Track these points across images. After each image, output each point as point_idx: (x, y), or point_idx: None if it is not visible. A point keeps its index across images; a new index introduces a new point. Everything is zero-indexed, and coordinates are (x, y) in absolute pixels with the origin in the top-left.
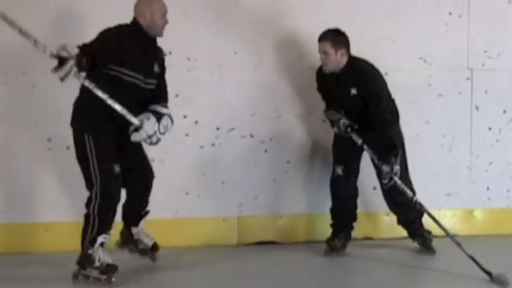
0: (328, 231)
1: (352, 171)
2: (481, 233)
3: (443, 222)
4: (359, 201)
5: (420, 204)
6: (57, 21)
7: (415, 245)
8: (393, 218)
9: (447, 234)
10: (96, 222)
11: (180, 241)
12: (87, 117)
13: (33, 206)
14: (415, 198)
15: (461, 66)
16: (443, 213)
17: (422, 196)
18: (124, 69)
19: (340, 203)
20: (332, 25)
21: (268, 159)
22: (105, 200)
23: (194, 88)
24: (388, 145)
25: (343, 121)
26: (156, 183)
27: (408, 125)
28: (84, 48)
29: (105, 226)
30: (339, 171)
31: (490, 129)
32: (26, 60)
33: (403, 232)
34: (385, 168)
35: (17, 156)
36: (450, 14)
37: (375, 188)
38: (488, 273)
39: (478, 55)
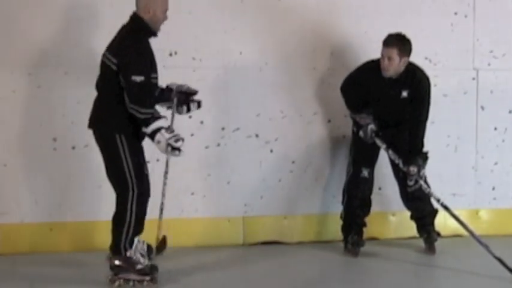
0: (333, 231)
1: (373, 172)
2: (487, 233)
3: (448, 222)
4: None
5: (446, 207)
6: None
7: (421, 244)
8: (399, 218)
9: (473, 236)
10: (132, 222)
11: (185, 241)
12: (120, 118)
13: (38, 206)
14: (441, 201)
15: (467, 66)
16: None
17: None
18: (153, 74)
19: (359, 203)
20: (335, 25)
21: (273, 160)
22: (141, 199)
23: (199, 88)
24: (418, 147)
25: (372, 127)
26: (161, 183)
27: None
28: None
29: (141, 226)
30: (366, 173)
31: (495, 129)
32: (31, 61)
33: (408, 232)
34: (413, 169)
35: (22, 156)
36: (456, 14)
37: (380, 189)
38: None
39: (484, 55)
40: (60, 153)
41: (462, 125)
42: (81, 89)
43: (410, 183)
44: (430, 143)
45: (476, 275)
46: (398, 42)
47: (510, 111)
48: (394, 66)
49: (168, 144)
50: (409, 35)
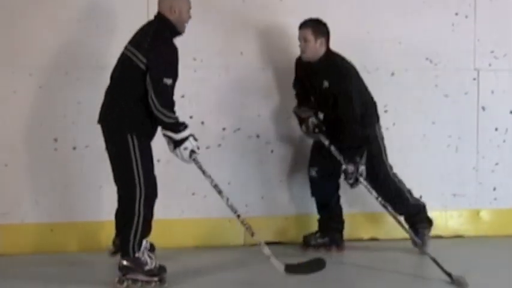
0: None
1: (328, 173)
2: (488, 233)
3: (449, 223)
4: (364, 201)
5: (384, 206)
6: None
7: None
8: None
9: (410, 234)
10: (140, 223)
11: (186, 241)
12: (135, 117)
13: (39, 206)
14: (379, 199)
15: (468, 67)
16: (450, 214)
17: (428, 197)
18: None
19: (317, 205)
20: (338, 25)
21: (274, 160)
22: (149, 201)
23: (200, 89)
24: (354, 144)
25: (312, 120)
26: (162, 184)
27: (414, 126)
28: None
29: (149, 227)
30: (313, 173)
31: (496, 129)
32: (32, 61)
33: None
34: (350, 168)
35: (23, 157)
36: (457, 14)
37: None
38: (449, 275)
39: (485, 55)
40: (61, 154)
41: (463, 126)
42: (82, 89)
43: (350, 181)
44: (431, 143)
45: (476, 276)
46: (312, 23)
47: (511, 112)
48: (310, 48)
49: (192, 151)
50: (409, 35)
